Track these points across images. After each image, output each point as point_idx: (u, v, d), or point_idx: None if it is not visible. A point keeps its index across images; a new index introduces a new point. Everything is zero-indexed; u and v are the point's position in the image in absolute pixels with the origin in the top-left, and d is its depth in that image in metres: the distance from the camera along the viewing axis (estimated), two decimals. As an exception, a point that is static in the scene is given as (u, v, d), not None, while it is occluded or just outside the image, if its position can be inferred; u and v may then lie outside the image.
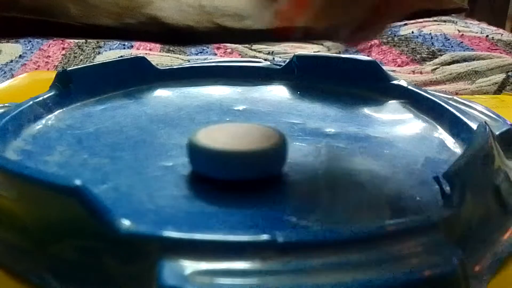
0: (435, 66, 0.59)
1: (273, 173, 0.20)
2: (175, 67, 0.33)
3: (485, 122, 0.22)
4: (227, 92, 0.31)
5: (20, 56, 0.60)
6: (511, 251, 0.17)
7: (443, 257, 0.14)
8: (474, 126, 0.23)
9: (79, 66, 0.29)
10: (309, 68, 0.32)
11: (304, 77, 0.32)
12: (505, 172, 0.21)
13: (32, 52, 0.61)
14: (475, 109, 0.28)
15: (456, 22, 0.87)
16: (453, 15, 0.94)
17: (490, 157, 0.20)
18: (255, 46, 0.72)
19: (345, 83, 0.31)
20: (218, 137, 0.20)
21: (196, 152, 0.20)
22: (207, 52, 0.67)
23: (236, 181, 0.19)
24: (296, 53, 0.33)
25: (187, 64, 0.34)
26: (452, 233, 0.16)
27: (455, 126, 0.25)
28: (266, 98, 0.30)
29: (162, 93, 0.31)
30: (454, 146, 0.24)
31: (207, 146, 0.19)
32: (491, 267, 0.17)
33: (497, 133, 0.24)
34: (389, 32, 0.79)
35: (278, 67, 0.33)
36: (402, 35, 0.76)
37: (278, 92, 0.31)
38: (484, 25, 0.86)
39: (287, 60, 0.33)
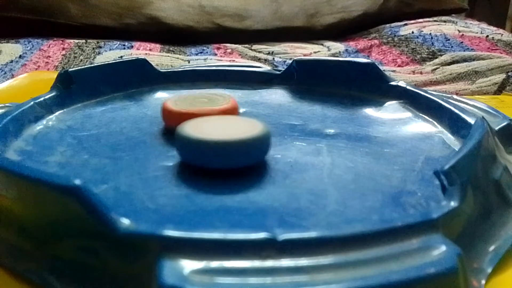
0: (435, 66, 0.59)
1: (256, 161, 0.21)
2: (176, 69, 0.34)
3: (483, 117, 0.22)
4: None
5: (20, 56, 0.60)
6: (511, 245, 0.18)
7: (442, 254, 0.14)
8: (473, 122, 0.23)
9: (80, 67, 0.29)
10: (308, 72, 0.32)
11: (303, 81, 0.32)
12: (505, 166, 0.21)
13: (32, 52, 0.62)
14: (474, 106, 0.28)
15: (456, 22, 0.87)
16: (453, 15, 0.94)
17: (489, 151, 0.21)
18: (255, 46, 0.72)
19: (344, 85, 0.31)
20: (204, 128, 0.21)
21: (184, 143, 0.20)
22: (207, 52, 0.67)
23: (219, 169, 0.20)
24: (295, 58, 0.33)
25: (188, 67, 0.34)
26: (452, 229, 0.16)
27: (455, 124, 0.25)
28: (266, 101, 0.30)
29: (162, 95, 0.31)
30: (455, 144, 0.24)
31: (195, 137, 0.20)
32: (491, 261, 0.17)
33: (497, 128, 0.24)
34: (389, 32, 0.79)
35: (278, 72, 0.33)
36: (402, 35, 0.76)
37: (278, 96, 0.31)
38: (484, 25, 0.87)
39: (287, 64, 0.33)
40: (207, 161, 0.20)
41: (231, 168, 0.20)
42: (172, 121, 0.24)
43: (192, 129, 0.21)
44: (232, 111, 0.25)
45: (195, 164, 0.21)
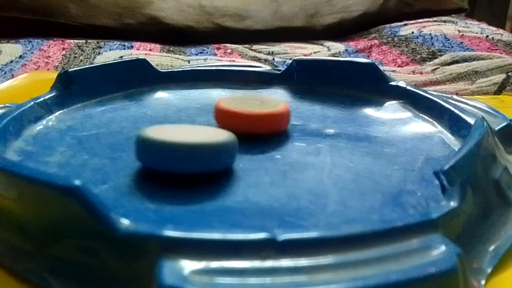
0: (435, 67, 0.59)
1: (220, 168, 0.20)
2: (176, 69, 0.34)
3: (483, 117, 0.22)
4: (227, 95, 0.31)
5: (20, 56, 0.60)
6: (511, 245, 0.18)
7: (442, 254, 0.14)
8: (473, 122, 0.23)
9: (80, 67, 0.29)
10: (308, 72, 0.32)
11: (303, 81, 0.32)
12: (505, 166, 0.21)
13: (32, 53, 0.62)
14: (474, 106, 0.28)
15: (456, 22, 0.87)
16: (453, 15, 0.94)
17: (488, 151, 0.21)
18: (255, 46, 0.72)
19: (344, 85, 0.31)
20: (166, 132, 0.20)
21: (145, 146, 0.20)
22: (207, 52, 0.67)
23: (181, 174, 0.20)
24: (295, 58, 0.33)
25: (188, 67, 0.34)
26: (452, 229, 0.16)
27: (455, 124, 0.25)
28: (266, 101, 0.30)
29: (162, 95, 0.31)
30: (454, 144, 0.24)
31: (157, 139, 0.19)
32: (491, 261, 0.17)
33: (496, 128, 0.24)
34: (389, 33, 0.79)
35: (278, 72, 0.33)
36: (402, 36, 0.76)
37: (278, 96, 0.31)
38: (484, 25, 0.87)
39: (287, 64, 0.33)
40: (165, 164, 0.19)
41: (191, 173, 0.20)
42: (225, 120, 0.24)
43: (153, 133, 0.20)
44: (283, 116, 0.25)
45: (156, 169, 0.20)
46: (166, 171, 0.20)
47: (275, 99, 0.26)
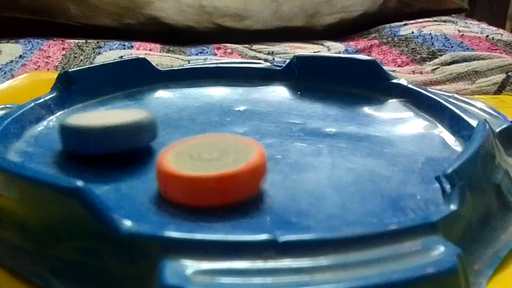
0: (435, 66, 0.59)
1: (139, 146, 0.22)
2: (176, 68, 0.33)
3: (485, 120, 0.22)
4: (228, 93, 0.31)
5: (20, 56, 0.60)
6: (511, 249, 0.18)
7: (443, 256, 0.14)
8: (474, 123, 0.23)
9: (80, 68, 0.29)
10: (309, 68, 0.32)
11: (304, 78, 0.32)
12: (506, 170, 0.21)
13: (32, 53, 0.61)
14: (475, 107, 0.28)
15: (456, 22, 0.87)
16: (453, 15, 0.94)
17: (490, 155, 0.21)
18: (255, 46, 0.72)
19: (345, 83, 0.31)
20: (86, 119, 0.22)
21: (68, 132, 0.22)
22: (207, 52, 0.67)
23: (103, 155, 0.21)
24: (296, 54, 0.33)
25: (188, 65, 0.34)
26: (453, 232, 0.16)
27: (456, 124, 0.25)
28: (266, 99, 0.30)
29: (163, 94, 0.31)
30: (455, 144, 0.24)
31: (76, 125, 0.21)
32: (492, 264, 0.17)
33: (497, 130, 0.24)
34: (389, 32, 0.79)
35: (278, 68, 0.33)
36: (402, 35, 0.76)
37: (278, 93, 0.31)
38: (484, 25, 0.86)
39: (287, 61, 0.33)
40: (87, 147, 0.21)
41: (112, 153, 0.21)
42: (172, 189, 0.18)
43: (76, 120, 0.22)
44: (257, 170, 0.18)
45: (79, 152, 0.21)
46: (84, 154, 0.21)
47: (249, 141, 0.20)
